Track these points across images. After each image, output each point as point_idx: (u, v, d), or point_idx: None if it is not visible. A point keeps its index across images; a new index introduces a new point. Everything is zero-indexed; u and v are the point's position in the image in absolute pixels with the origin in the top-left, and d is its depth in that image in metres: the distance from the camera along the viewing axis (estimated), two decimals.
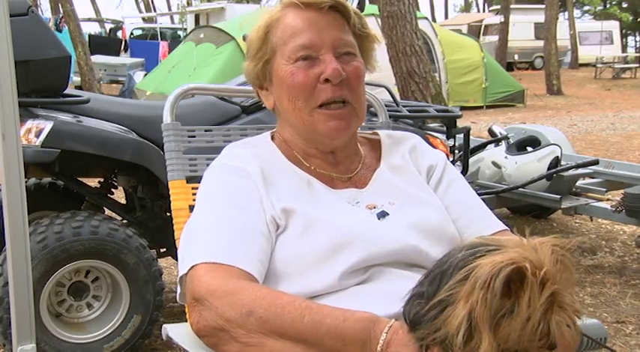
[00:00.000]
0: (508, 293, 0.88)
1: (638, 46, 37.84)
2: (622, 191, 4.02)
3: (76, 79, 12.90)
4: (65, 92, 2.77)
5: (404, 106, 3.47)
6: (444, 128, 3.66)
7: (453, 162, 3.61)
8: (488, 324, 0.88)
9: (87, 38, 15.33)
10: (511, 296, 0.88)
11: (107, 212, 3.01)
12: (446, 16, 43.98)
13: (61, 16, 15.15)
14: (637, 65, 23.79)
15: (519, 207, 4.86)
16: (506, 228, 1.34)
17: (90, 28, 26.31)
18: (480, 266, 0.89)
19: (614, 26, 28.66)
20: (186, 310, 1.20)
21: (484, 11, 39.18)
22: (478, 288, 0.88)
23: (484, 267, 0.88)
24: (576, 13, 33.71)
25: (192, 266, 1.12)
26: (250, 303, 1.03)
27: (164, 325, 1.29)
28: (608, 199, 4.21)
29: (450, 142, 3.63)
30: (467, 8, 47.15)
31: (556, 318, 0.89)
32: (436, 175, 1.38)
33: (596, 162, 4.26)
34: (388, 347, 0.96)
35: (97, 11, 35.28)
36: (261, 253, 1.15)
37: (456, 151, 3.78)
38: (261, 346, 1.02)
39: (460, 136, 3.78)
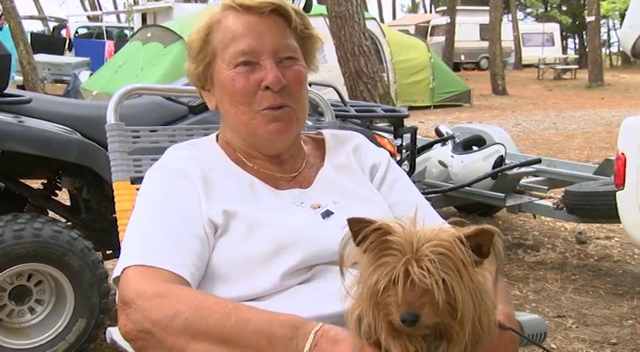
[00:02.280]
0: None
1: (577, 47, 39.05)
2: (563, 189, 4.15)
3: (18, 78, 12.57)
4: (5, 92, 2.69)
5: (352, 106, 3.49)
6: (392, 128, 3.69)
7: (400, 162, 3.65)
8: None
9: (29, 37, 14.94)
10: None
11: (51, 214, 2.94)
12: (394, 17, 44.43)
13: (0, 13, 14.71)
14: (577, 66, 24.55)
15: (466, 206, 4.95)
16: (449, 226, 1.36)
17: (32, 27, 25.60)
18: None
19: (554, 28, 29.53)
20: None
21: (431, 12, 39.79)
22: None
23: None
24: (519, 15, 34.58)
25: (124, 269, 1.11)
26: (177, 306, 1.02)
27: (108, 328, 1.27)
28: (550, 197, 4.33)
29: (398, 142, 3.67)
30: (414, 9, 47.78)
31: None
32: (379, 174, 1.39)
33: (538, 161, 4.37)
34: (316, 346, 0.95)
35: (39, 9, 34.34)
36: (194, 256, 1.14)
37: (404, 151, 3.83)
38: (186, 350, 1.01)
39: (407, 136, 3.82)
